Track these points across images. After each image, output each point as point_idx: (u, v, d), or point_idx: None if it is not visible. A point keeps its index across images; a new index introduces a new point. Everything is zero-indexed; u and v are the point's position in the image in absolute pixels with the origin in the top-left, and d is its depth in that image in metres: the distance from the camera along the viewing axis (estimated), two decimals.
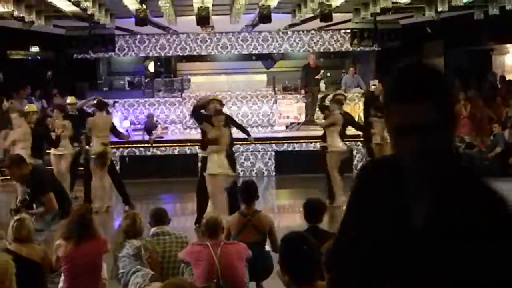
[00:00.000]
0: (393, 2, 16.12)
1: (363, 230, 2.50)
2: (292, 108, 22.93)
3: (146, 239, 7.52)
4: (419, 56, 25.40)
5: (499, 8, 17.65)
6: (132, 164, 18.95)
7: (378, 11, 17.37)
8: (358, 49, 23.60)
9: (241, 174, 18.29)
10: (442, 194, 2.36)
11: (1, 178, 19.40)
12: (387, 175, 2.51)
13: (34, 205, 9.02)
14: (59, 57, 25.49)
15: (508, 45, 25.03)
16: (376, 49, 22.86)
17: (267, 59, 27.05)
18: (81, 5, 15.39)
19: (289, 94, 23.62)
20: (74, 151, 15.82)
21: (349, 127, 15.83)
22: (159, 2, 15.92)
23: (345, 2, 16.98)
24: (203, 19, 16.95)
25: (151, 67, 26.87)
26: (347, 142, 16.17)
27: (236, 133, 14.19)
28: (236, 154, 16.02)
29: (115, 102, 21.59)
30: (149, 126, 20.73)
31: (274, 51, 24.91)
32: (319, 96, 17.17)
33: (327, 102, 15.62)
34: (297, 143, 19.86)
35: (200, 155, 14.70)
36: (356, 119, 17.81)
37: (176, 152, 19.70)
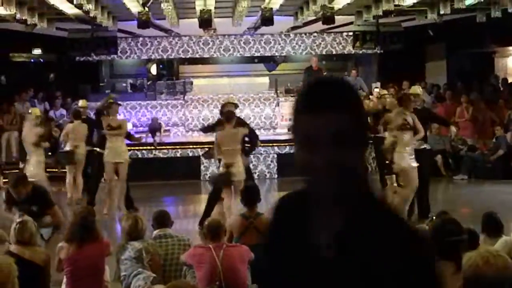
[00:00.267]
0: (395, 5, 16.11)
1: (276, 269, 2.44)
2: None
3: (148, 241, 7.52)
4: (421, 58, 25.50)
5: (502, 11, 17.65)
6: (135, 167, 18.92)
7: (381, 13, 17.37)
8: (360, 52, 23.58)
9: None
10: (348, 224, 2.26)
11: (3, 180, 19.41)
12: (295, 208, 2.44)
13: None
14: (61, 59, 25.48)
15: (511, 48, 25.00)
16: (378, 51, 22.85)
17: (270, 61, 27.06)
18: (84, 8, 15.40)
19: (292, 96, 23.57)
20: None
21: None
22: (162, 5, 15.94)
23: (348, 4, 16.98)
24: (205, 22, 16.97)
25: (154, 69, 26.86)
26: None
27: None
28: None
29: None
30: (153, 129, 20.76)
31: (277, 54, 24.91)
32: None
33: None
34: None
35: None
36: None
37: (178, 155, 19.71)
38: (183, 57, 24.51)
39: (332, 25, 18.69)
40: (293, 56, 25.79)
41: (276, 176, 19.45)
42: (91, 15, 16.49)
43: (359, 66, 26.44)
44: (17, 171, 18.46)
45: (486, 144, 19.84)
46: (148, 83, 25.22)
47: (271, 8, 16.90)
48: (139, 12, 16.56)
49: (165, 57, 24.38)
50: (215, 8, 16.99)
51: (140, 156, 19.25)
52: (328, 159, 2.22)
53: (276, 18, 17.28)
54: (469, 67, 26.13)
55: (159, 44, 23.52)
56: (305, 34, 23.61)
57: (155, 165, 19.26)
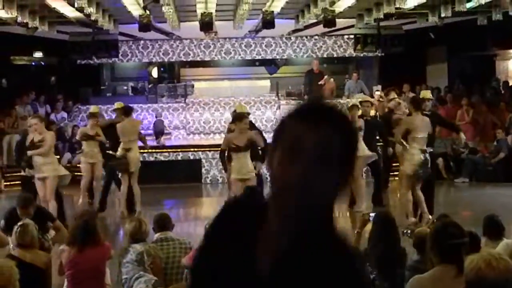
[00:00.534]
0: (396, 8, 16.12)
1: (210, 274, 2.30)
2: None
3: (149, 244, 7.52)
4: (423, 61, 25.46)
5: (503, 14, 17.66)
6: None
7: (382, 16, 17.39)
8: (362, 55, 23.60)
9: None
10: (293, 247, 2.17)
11: (5, 183, 19.43)
12: (243, 216, 2.30)
13: None
14: (62, 62, 25.50)
15: None
16: (379, 54, 22.85)
17: (271, 64, 27.06)
18: (85, 11, 15.42)
19: (293, 99, 23.57)
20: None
21: None
22: (163, 8, 15.95)
23: (349, 7, 17.00)
24: (206, 25, 16.97)
25: (155, 72, 26.88)
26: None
27: None
28: None
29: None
30: (159, 130, 20.81)
31: (278, 57, 24.93)
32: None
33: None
34: None
35: None
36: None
37: (179, 158, 19.72)
38: (184, 60, 24.53)
39: (333, 28, 18.72)
40: (294, 59, 25.80)
41: None
42: (92, 18, 16.50)
43: (360, 69, 26.43)
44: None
45: (487, 147, 19.84)
46: (149, 86, 25.23)
47: (272, 11, 16.91)
48: (140, 15, 16.56)
49: (166, 60, 24.40)
50: (216, 11, 17.00)
51: (141, 159, 19.19)
52: (305, 174, 2.11)
53: (277, 21, 17.29)
54: (470, 70, 26.14)
55: (160, 47, 23.54)
56: (306, 37, 23.62)
57: (156, 168, 19.24)
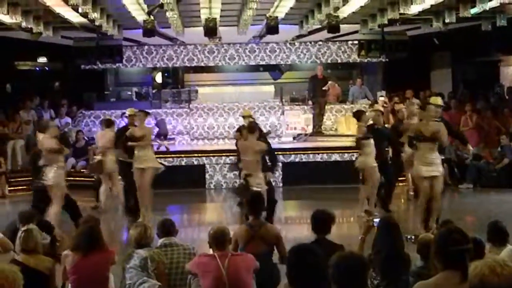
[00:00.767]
0: (400, 13, 16.11)
1: None
2: (299, 119, 22.94)
3: (153, 250, 7.52)
4: (427, 67, 25.49)
5: (507, 20, 17.68)
6: None
7: (386, 22, 17.38)
8: (366, 60, 23.61)
9: None
10: None
11: (9, 188, 19.43)
12: None
13: None
14: (66, 68, 25.54)
15: None
16: (383, 60, 22.84)
17: (275, 70, 27.12)
18: (89, 16, 15.43)
19: (297, 105, 23.62)
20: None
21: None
22: (167, 13, 15.97)
23: (353, 13, 17.00)
24: (210, 30, 16.98)
25: (159, 78, 26.94)
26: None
27: None
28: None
29: (123, 113, 21.59)
30: (162, 132, 20.86)
31: (282, 62, 24.95)
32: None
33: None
34: (304, 154, 19.86)
35: None
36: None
37: (183, 163, 19.72)
38: (188, 65, 24.56)
39: (337, 34, 18.70)
40: (298, 65, 25.82)
41: (281, 184, 19.40)
42: (97, 23, 16.53)
43: (364, 74, 26.46)
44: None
45: (491, 153, 19.82)
46: (153, 91, 25.28)
47: (276, 17, 16.92)
48: (144, 21, 16.57)
49: (170, 65, 24.42)
50: (220, 16, 17.01)
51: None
52: None
53: (281, 26, 17.29)
54: (474, 75, 26.14)
55: (164, 53, 23.56)
56: (310, 42, 23.63)
57: (160, 173, 19.20)
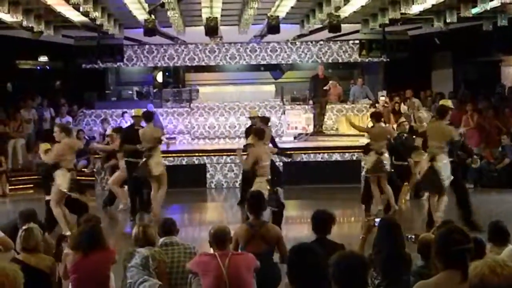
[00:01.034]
0: (401, 13, 16.11)
1: None
2: (300, 119, 22.91)
3: (154, 249, 7.52)
4: (428, 67, 25.51)
5: (508, 20, 17.67)
6: None
7: (387, 22, 17.38)
8: (367, 60, 23.58)
9: None
10: None
11: (9, 187, 19.44)
12: None
13: None
14: (67, 67, 25.55)
15: None
16: (384, 60, 22.83)
17: (276, 69, 27.11)
18: (90, 15, 15.43)
19: (297, 104, 23.60)
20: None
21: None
22: (168, 13, 15.96)
23: (354, 12, 17.00)
24: (211, 30, 16.98)
25: (160, 77, 26.93)
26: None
27: None
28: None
29: (123, 112, 21.62)
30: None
31: (283, 62, 24.95)
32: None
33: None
34: (305, 153, 19.84)
35: None
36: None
37: (184, 163, 19.71)
38: (189, 64, 24.55)
39: (338, 33, 18.70)
40: (299, 64, 25.83)
41: (282, 184, 19.37)
42: (98, 22, 16.53)
43: (365, 74, 26.46)
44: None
45: (492, 153, 19.81)
46: (154, 90, 25.29)
47: (278, 16, 16.92)
48: (145, 20, 16.58)
49: (171, 64, 24.42)
50: (221, 16, 17.01)
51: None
52: None
53: (282, 26, 17.29)
54: (475, 75, 26.14)
55: (165, 52, 23.56)
56: (311, 42, 23.62)
57: None
